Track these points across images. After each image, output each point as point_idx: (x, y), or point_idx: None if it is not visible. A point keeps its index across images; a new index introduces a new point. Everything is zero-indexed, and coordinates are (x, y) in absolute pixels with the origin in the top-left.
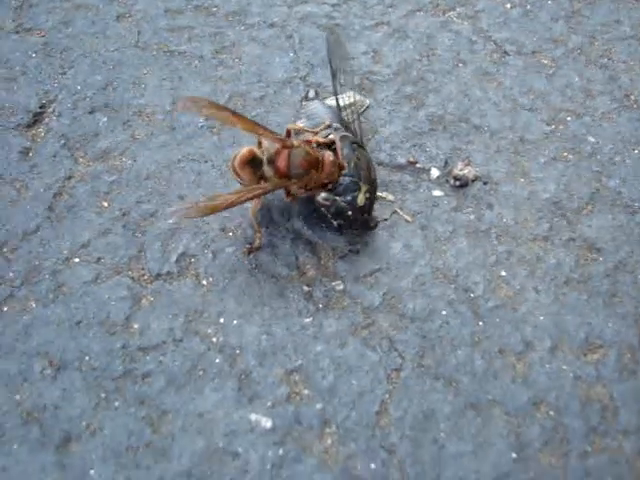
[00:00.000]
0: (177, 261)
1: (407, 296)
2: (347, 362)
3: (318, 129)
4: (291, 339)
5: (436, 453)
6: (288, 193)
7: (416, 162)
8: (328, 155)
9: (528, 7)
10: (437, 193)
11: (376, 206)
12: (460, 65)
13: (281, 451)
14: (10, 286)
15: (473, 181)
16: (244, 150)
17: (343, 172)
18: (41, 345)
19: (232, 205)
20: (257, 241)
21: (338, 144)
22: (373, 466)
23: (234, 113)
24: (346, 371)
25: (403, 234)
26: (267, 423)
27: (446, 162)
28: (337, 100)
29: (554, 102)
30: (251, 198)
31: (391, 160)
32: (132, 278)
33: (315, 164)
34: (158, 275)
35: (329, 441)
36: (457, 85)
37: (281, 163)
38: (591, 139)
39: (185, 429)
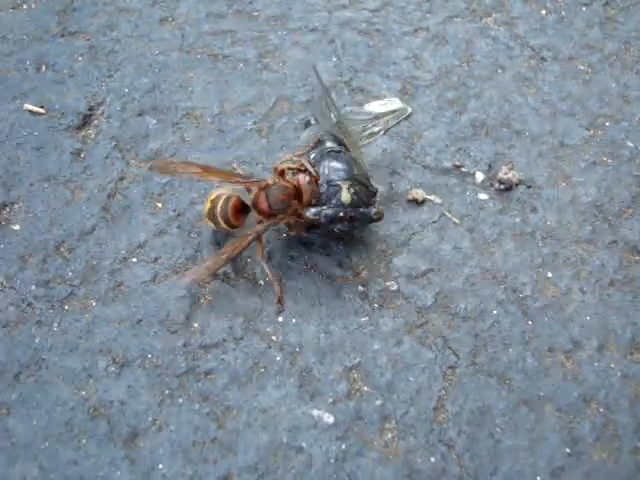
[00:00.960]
0: (234, 262)
1: (459, 296)
2: (404, 360)
3: (308, 146)
4: (349, 337)
5: (492, 447)
6: (290, 228)
7: (461, 166)
8: (302, 178)
9: (563, 13)
10: (483, 196)
11: (424, 208)
12: (499, 71)
13: (344, 446)
14: (70, 285)
15: (517, 185)
16: (233, 200)
17: (319, 182)
18: (104, 343)
19: (235, 256)
20: (277, 289)
21: (305, 162)
22: (433, 460)
23: (206, 168)
24: (403, 368)
25: (452, 236)
26: (329, 419)
27: (490, 166)
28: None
29: (592, 107)
30: (247, 246)
31: (437, 164)
32: (186, 274)
33: (292, 193)
34: (215, 275)
35: (389, 436)
36: (497, 90)
37: (262, 205)
38: (630, 144)
39: (249, 425)
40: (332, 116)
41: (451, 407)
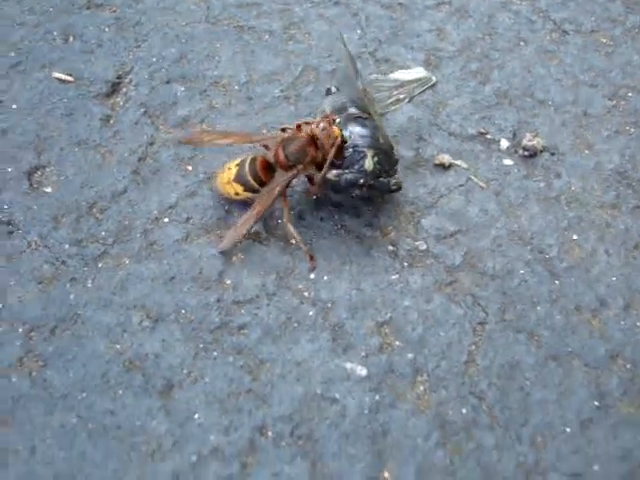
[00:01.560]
0: (264, 221)
1: (486, 256)
2: (434, 316)
3: (332, 112)
4: (380, 294)
5: (522, 400)
6: (310, 183)
7: (486, 133)
8: (315, 127)
9: None
10: (508, 162)
11: (450, 172)
12: (521, 44)
13: (377, 397)
14: (102, 244)
15: (541, 152)
16: (259, 158)
17: (346, 144)
18: (137, 299)
19: (265, 210)
20: (305, 248)
21: (329, 119)
22: (464, 411)
23: (226, 133)
24: (434, 324)
25: (479, 199)
26: (362, 371)
27: (514, 134)
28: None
29: (614, 79)
30: (274, 200)
31: (462, 131)
32: (222, 237)
33: (306, 142)
34: (247, 234)
35: (421, 388)
36: (520, 62)
37: (280, 157)
38: None
39: (284, 377)
40: (358, 83)
41: (481, 361)
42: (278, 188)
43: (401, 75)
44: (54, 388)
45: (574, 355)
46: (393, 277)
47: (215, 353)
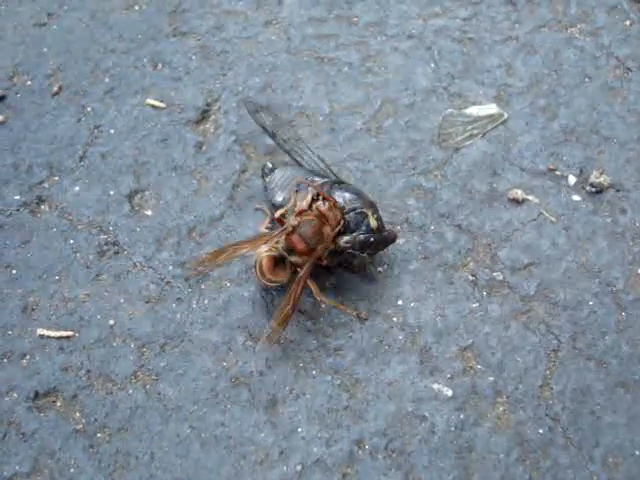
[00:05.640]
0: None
1: (558, 287)
2: (512, 342)
3: (298, 192)
4: (462, 321)
5: (594, 423)
6: (320, 260)
7: (555, 169)
8: (321, 205)
9: None
10: (576, 198)
11: (523, 207)
12: (586, 80)
13: (462, 416)
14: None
15: (607, 188)
16: (263, 260)
17: (344, 211)
18: (240, 319)
19: (296, 306)
20: (352, 312)
21: (321, 191)
22: (541, 431)
23: (234, 247)
24: (511, 350)
25: (550, 233)
26: (448, 392)
27: (581, 170)
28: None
29: None
30: (303, 288)
31: (533, 166)
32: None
33: (320, 223)
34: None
35: (501, 409)
36: (585, 99)
37: (300, 245)
38: None
39: (377, 395)
40: (310, 153)
41: (555, 385)
42: (304, 277)
43: (474, 111)
44: (168, 400)
45: None
46: (474, 305)
47: (314, 372)
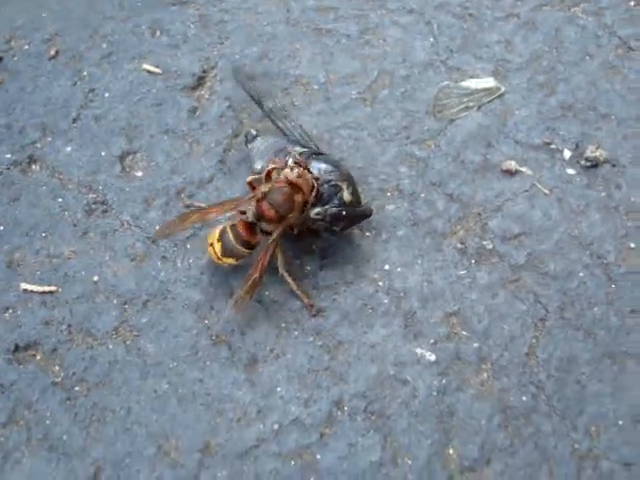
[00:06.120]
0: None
1: (548, 258)
2: (498, 310)
3: (275, 159)
4: (449, 287)
5: (579, 392)
6: (292, 229)
7: (550, 143)
8: (289, 172)
9: None
10: (570, 171)
11: (516, 178)
12: (587, 58)
13: (444, 381)
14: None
15: (602, 163)
16: (238, 223)
17: (319, 181)
18: (223, 279)
19: (263, 272)
20: (305, 300)
21: (297, 159)
22: (524, 399)
23: (201, 212)
24: (498, 317)
25: (542, 205)
26: (431, 357)
27: (577, 145)
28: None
29: None
30: (273, 255)
31: (528, 140)
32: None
33: (293, 190)
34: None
35: (485, 375)
36: (585, 76)
37: (269, 212)
38: None
39: (359, 357)
40: (291, 124)
41: (541, 354)
42: (273, 245)
43: (471, 84)
44: (147, 356)
45: (628, 355)
46: (461, 272)
47: (296, 332)
